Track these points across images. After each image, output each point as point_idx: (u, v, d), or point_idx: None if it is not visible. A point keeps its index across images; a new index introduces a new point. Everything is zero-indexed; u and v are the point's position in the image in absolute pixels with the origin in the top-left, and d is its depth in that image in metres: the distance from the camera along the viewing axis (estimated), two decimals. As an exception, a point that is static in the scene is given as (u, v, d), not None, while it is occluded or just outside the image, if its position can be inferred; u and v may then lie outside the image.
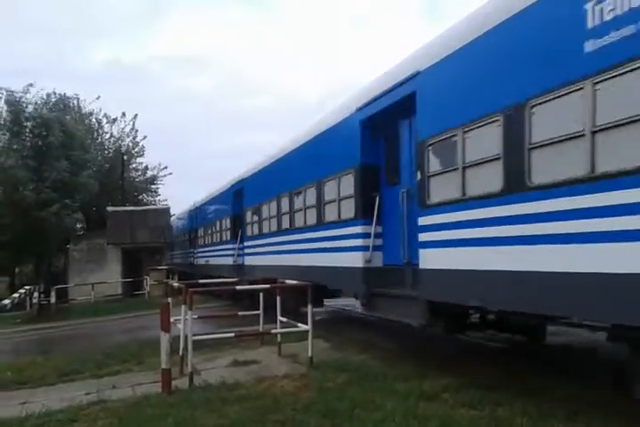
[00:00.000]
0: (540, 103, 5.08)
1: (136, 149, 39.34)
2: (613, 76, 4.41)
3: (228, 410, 5.89)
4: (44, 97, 28.73)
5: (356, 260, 8.66)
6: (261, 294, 9.82)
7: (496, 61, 5.83)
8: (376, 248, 8.46)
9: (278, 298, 9.06)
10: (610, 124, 4.42)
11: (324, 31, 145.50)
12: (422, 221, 6.96)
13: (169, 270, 26.37)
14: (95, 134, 38.15)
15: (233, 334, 8.06)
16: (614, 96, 4.41)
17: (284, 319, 8.99)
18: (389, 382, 6.68)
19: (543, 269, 5.00)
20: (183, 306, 7.66)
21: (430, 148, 6.82)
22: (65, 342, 14.24)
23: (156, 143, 79.33)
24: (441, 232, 6.60)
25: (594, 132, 4.55)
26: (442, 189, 6.65)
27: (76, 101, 34.88)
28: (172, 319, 9.13)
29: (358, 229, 8.70)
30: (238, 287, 8.30)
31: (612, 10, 4.45)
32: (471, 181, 6.12)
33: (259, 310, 9.75)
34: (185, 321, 7.56)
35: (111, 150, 38.40)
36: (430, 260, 6.78)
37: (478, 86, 6.10)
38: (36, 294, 23.09)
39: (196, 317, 9.89)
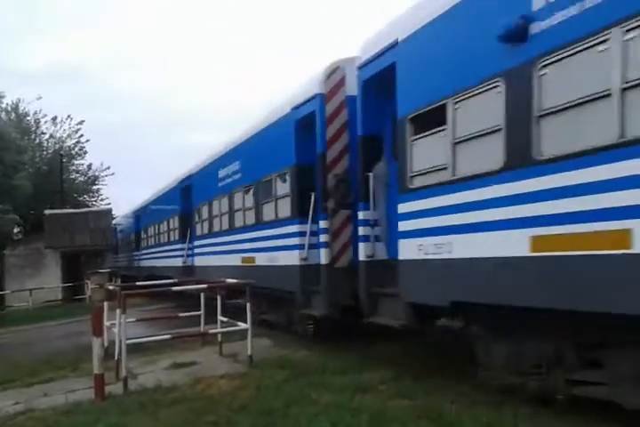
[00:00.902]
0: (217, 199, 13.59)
1: (76, 150, 38.12)
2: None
3: (162, 413, 5.78)
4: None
5: (178, 262, 17.10)
6: (202, 295, 9.72)
7: (210, 176, 13.91)
8: (189, 255, 16.45)
9: (219, 297, 8.99)
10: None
11: (274, 29, 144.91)
12: (195, 243, 15.82)
13: (111, 274, 25.64)
14: (33, 135, 36.73)
15: (169, 336, 7.90)
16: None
17: (225, 319, 8.89)
18: (327, 376, 6.71)
19: (220, 264, 12.97)
20: (118, 309, 7.45)
21: (196, 210, 15.53)
22: (-1, 351, 13.64)
23: (102, 144, 76.67)
24: (198, 249, 15.47)
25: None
26: (200, 228, 15.16)
27: (4, 100, 33.44)
28: (108, 323, 8.92)
29: (179, 246, 17.21)
30: (174, 288, 8.12)
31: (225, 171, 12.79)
32: (203, 226, 14.80)
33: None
34: (115, 325, 7.36)
35: (50, 152, 37.04)
36: (196, 262, 15.79)
37: (206, 186, 14.37)
38: (-32, 303, 22.04)
39: (133, 320, 9.72)
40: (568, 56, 4.27)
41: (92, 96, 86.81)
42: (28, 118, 36.80)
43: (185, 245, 16.32)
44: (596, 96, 4.04)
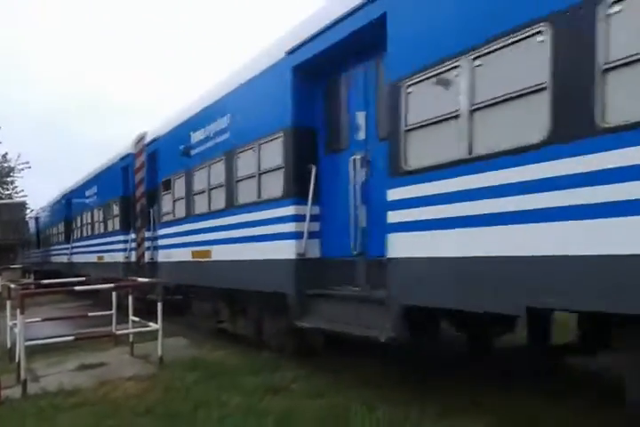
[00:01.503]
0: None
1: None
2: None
3: (62, 418, 5.49)
4: None
5: (65, 259, 20.21)
6: (114, 294, 9.38)
7: (81, 194, 18.04)
8: (71, 253, 19.37)
9: (130, 297, 8.68)
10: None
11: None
12: (73, 244, 19.01)
13: (25, 269, 24.32)
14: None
15: (72, 338, 7.51)
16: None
17: (137, 319, 8.59)
18: (240, 377, 6.59)
19: (86, 261, 17.27)
20: (17, 310, 7.02)
21: (74, 218, 19.47)
22: None
23: (23, 134, 72.90)
24: (75, 249, 18.89)
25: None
26: (76, 233, 18.87)
27: None
28: (11, 323, 8.42)
29: (65, 246, 20.18)
30: (77, 288, 7.74)
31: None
32: (78, 231, 18.65)
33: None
34: (17, 326, 6.94)
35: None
36: (74, 259, 19.12)
37: (79, 201, 18.30)
38: None
39: (39, 319, 9.25)
40: (202, 169, 8.97)
41: (11, 82, 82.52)
42: None
43: (69, 246, 19.68)
44: (220, 184, 8.35)
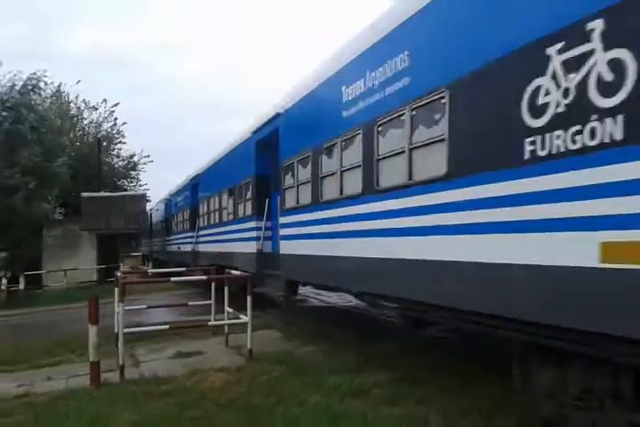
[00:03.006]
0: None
1: (113, 133, 38.76)
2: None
3: (149, 405, 5.72)
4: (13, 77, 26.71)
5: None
6: (213, 284, 9.70)
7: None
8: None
9: (226, 288, 8.92)
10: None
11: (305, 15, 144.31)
12: (172, 236, 24.86)
13: (144, 257, 26.06)
14: (75, 120, 37.45)
15: (167, 327, 7.85)
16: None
17: (231, 310, 8.81)
18: (324, 375, 6.51)
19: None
20: (117, 298, 7.45)
21: (171, 218, 25.72)
22: (21, 330, 13.98)
23: (144, 128, 78.69)
24: (173, 241, 24.56)
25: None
26: (175, 228, 24.15)
27: (48, 82, 33.96)
28: (117, 309, 8.98)
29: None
30: (173, 279, 8.09)
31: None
32: (176, 227, 24.55)
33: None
34: (118, 313, 7.36)
35: (90, 136, 37.77)
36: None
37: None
38: (4, 281, 22.72)
39: (145, 306, 9.78)
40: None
41: (136, 81, 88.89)
42: (71, 105, 37.53)
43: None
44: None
